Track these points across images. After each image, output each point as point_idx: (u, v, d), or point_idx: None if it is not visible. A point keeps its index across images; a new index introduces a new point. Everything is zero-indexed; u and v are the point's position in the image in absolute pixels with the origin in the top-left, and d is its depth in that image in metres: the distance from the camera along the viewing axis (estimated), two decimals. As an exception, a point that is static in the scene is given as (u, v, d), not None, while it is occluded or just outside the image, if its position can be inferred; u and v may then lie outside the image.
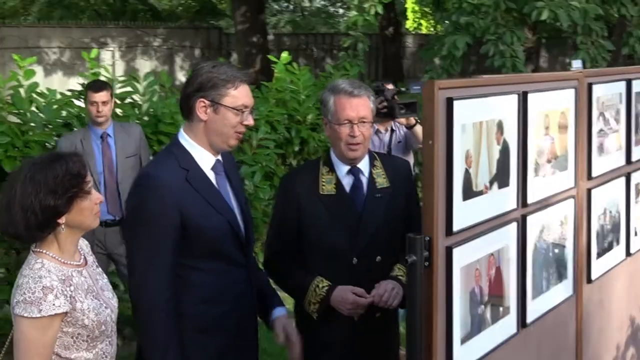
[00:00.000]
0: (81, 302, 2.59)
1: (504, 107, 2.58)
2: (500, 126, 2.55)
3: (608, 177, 3.39)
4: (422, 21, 21.62)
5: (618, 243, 3.54)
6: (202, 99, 2.86)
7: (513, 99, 2.62)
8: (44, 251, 2.59)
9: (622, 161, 3.53)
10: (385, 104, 4.59)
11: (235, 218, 2.96)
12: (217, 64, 2.95)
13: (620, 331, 3.63)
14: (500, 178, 2.59)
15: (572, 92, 3.03)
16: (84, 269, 2.69)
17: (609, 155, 3.40)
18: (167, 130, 6.14)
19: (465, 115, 2.34)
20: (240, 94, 2.87)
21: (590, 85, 3.16)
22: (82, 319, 2.59)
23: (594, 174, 3.25)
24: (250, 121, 2.90)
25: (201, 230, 2.82)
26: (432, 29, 20.91)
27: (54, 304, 2.50)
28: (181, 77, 16.35)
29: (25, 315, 2.49)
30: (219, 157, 2.99)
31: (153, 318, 2.75)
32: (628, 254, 3.65)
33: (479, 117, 2.43)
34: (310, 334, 3.23)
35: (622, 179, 3.54)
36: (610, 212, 3.44)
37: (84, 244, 2.80)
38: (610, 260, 3.47)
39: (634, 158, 3.62)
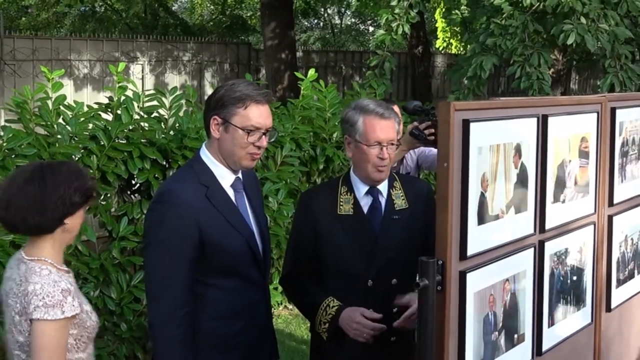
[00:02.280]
0: (85, 305, 2.72)
1: (523, 130, 2.54)
2: (518, 149, 2.52)
3: (630, 203, 3.33)
4: (453, 41, 21.55)
5: (639, 271, 3.48)
6: (215, 117, 2.87)
7: (532, 122, 2.59)
8: (43, 258, 2.69)
9: (645, 188, 3.47)
10: (433, 130, 3.89)
11: (253, 236, 2.95)
12: (237, 82, 2.95)
13: (640, 361, 3.56)
14: (517, 203, 2.55)
15: (594, 116, 2.99)
16: (71, 274, 2.80)
17: (632, 181, 3.35)
18: (192, 145, 6.15)
19: (482, 137, 2.32)
20: (251, 114, 2.85)
21: (613, 110, 3.12)
22: (85, 320, 2.69)
23: (615, 200, 3.20)
24: (263, 143, 2.88)
25: (219, 248, 2.82)
26: (461, 49, 20.85)
27: (73, 305, 2.61)
28: (210, 92, 16.42)
29: (48, 318, 2.56)
30: (239, 175, 2.99)
31: (169, 334, 2.75)
32: (650, 282, 3.58)
33: (496, 140, 2.40)
34: (324, 355, 3.21)
35: (645, 206, 3.48)
36: (632, 239, 3.38)
37: None
38: (631, 289, 3.41)
39: (658, 185, 3.56)
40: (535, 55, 8.15)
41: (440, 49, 22.18)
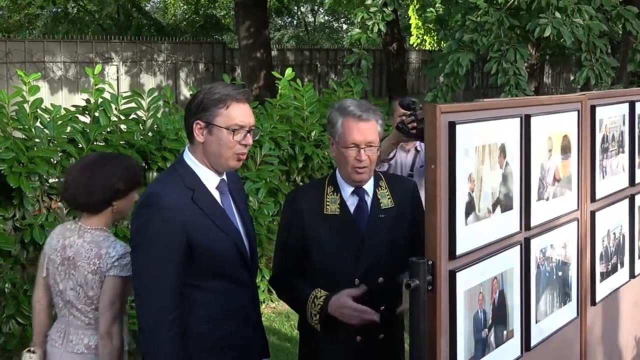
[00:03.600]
0: None
1: (507, 130, 2.58)
2: (503, 150, 2.55)
3: (612, 199, 3.39)
4: (426, 37, 21.64)
5: (622, 265, 3.54)
6: (197, 121, 2.87)
7: (516, 123, 2.62)
8: (102, 228, 3.27)
9: (625, 183, 3.53)
10: (415, 124, 3.99)
11: (240, 238, 2.96)
12: (214, 85, 2.94)
13: (625, 353, 3.61)
14: (503, 201, 2.58)
15: (575, 114, 3.03)
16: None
17: (613, 177, 3.40)
18: (171, 146, 6.15)
19: (468, 139, 2.34)
20: (233, 113, 2.86)
21: (593, 108, 3.17)
22: None
23: (597, 196, 3.24)
24: (248, 141, 2.89)
25: (207, 250, 2.82)
26: (435, 45, 20.95)
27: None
28: (185, 92, 16.38)
29: (122, 275, 3.16)
30: (224, 177, 2.99)
31: (159, 338, 2.75)
32: (632, 275, 3.64)
33: (481, 141, 2.43)
34: (313, 353, 3.23)
35: (626, 201, 3.53)
36: (614, 234, 3.43)
37: None
38: (615, 282, 3.46)
39: (637, 180, 3.61)
40: (512, 50, 8.21)
41: (415, 45, 22.27)
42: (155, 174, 6.03)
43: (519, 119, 2.62)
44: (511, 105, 2.59)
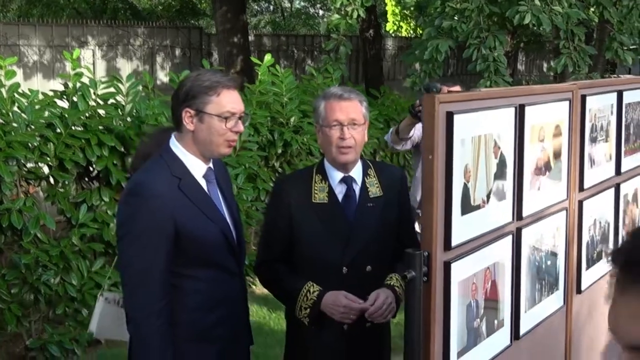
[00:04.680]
0: None
1: (502, 120, 2.57)
2: (497, 140, 2.54)
3: (598, 188, 3.40)
4: (403, 24, 21.62)
5: (607, 254, 3.55)
6: (187, 109, 2.83)
7: (510, 112, 2.61)
8: None
9: (611, 172, 3.55)
10: (420, 107, 4.41)
11: (228, 226, 2.94)
12: (201, 72, 2.91)
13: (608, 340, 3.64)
14: (497, 192, 2.58)
15: (566, 104, 3.03)
16: None
17: (600, 166, 3.41)
18: (151, 132, 6.08)
19: (465, 129, 2.33)
20: (224, 101, 2.83)
21: (583, 97, 3.17)
22: None
23: (585, 186, 3.25)
24: (239, 128, 2.87)
25: (195, 239, 2.80)
26: (412, 32, 20.93)
27: None
28: (162, 76, 16.22)
29: None
30: (211, 165, 2.96)
31: (148, 327, 2.72)
32: (616, 264, 3.65)
33: (477, 131, 2.42)
34: (300, 342, 3.22)
35: (612, 190, 3.55)
36: (600, 223, 3.45)
37: None
38: (599, 271, 3.48)
39: (623, 169, 3.63)
40: (491, 37, 8.21)
41: (391, 32, 22.24)
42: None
43: (513, 109, 2.61)
44: (507, 95, 2.59)
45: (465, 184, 2.37)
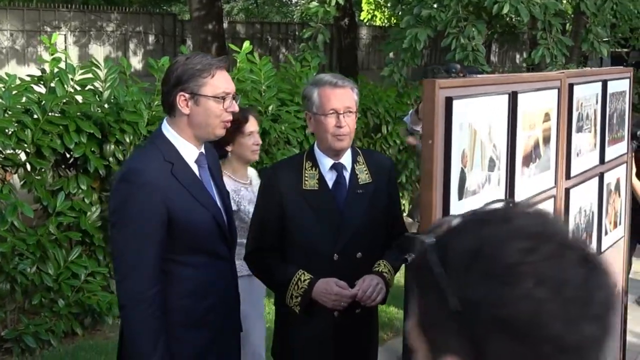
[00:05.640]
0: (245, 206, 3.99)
1: (497, 107, 2.59)
2: (492, 126, 2.56)
3: (584, 177, 3.44)
4: (377, 13, 21.65)
5: (590, 241, 3.60)
6: (181, 93, 2.81)
7: (504, 99, 2.63)
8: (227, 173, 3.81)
9: (596, 161, 3.58)
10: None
11: (219, 212, 2.93)
12: (190, 56, 2.90)
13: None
14: (491, 177, 2.60)
15: (555, 92, 3.06)
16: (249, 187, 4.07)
17: (585, 155, 3.45)
18: (130, 118, 6.03)
19: (463, 114, 2.35)
20: (218, 81, 2.83)
21: (571, 86, 3.20)
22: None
23: (572, 174, 3.28)
24: (234, 108, 2.87)
25: (187, 225, 2.78)
26: (386, 21, 20.97)
27: None
28: (135, 63, 16.08)
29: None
30: (202, 150, 2.95)
31: (141, 313, 2.71)
32: (599, 252, 3.70)
33: (474, 116, 2.43)
34: (290, 329, 3.22)
35: (596, 179, 3.59)
36: (585, 211, 3.49)
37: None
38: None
39: (607, 158, 3.67)
40: (470, 26, 8.25)
41: (365, 21, 22.25)
42: (112, 146, 5.91)
43: (507, 96, 2.63)
44: (501, 82, 2.60)
45: (462, 169, 2.39)
